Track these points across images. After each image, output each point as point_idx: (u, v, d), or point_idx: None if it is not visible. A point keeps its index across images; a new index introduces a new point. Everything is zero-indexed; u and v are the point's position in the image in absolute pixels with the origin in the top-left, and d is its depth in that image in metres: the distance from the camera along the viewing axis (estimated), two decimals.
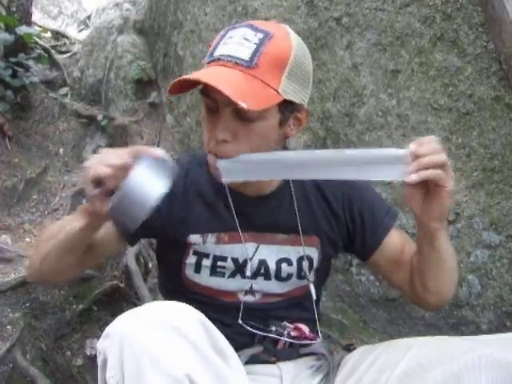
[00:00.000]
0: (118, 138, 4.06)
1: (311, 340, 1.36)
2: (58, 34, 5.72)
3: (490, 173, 1.92)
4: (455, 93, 1.97)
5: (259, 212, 1.34)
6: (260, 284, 1.34)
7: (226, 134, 1.14)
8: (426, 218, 1.15)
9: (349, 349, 1.43)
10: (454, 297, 2.06)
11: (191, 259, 1.31)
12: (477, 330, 2.04)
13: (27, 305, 2.10)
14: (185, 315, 1.00)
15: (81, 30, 6.49)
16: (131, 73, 4.43)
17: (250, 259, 1.31)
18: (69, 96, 4.58)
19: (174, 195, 1.30)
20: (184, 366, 0.91)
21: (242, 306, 1.32)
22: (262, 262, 1.33)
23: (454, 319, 2.13)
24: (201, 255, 1.31)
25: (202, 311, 1.05)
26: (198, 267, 1.32)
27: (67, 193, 3.29)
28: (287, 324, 1.35)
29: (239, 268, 1.32)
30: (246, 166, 1.17)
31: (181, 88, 1.15)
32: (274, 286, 1.35)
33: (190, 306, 1.03)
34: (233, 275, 1.32)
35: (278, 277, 1.35)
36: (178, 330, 0.94)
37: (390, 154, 1.10)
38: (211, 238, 1.31)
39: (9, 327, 1.96)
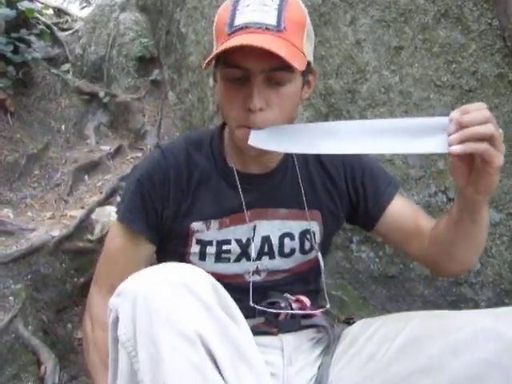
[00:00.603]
0: (119, 115, 4.05)
1: (316, 314, 1.37)
2: (59, 12, 5.67)
3: None
4: (458, 70, 1.96)
5: (263, 189, 1.34)
6: (265, 263, 1.35)
7: (262, 102, 1.13)
8: (470, 192, 1.08)
9: (348, 322, 1.44)
10: None
11: (195, 248, 1.32)
12: (475, 307, 2.05)
13: (29, 277, 2.11)
14: (197, 276, 1.01)
15: (83, 8, 6.44)
16: (133, 50, 4.41)
17: (252, 239, 1.32)
18: (71, 73, 4.56)
19: (180, 185, 1.31)
20: (196, 325, 0.92)
21: (251, 287, 1.32)
22: (266, 239, 1.34)
23: (452, 296, 2.14)
24: (204, 243, 1.31)
25: None
26: (202, 255, 1.32)
27: (69, 168, 3.29)
28: (289, 296, 1.36)
29: (244, 249, 1.33)
30: (277, 137, 1.14)
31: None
32: (278, 263, 1.37)
33: (202, 270, 1.04)
34: (238, 259, 1.33)
35: (282, 253, 1.36)
36: (191, 290, 0.95)
37: (432, 123, 1.03)
38: (214, 224, 1.31)
39: (11, 298, 1.97)
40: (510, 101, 1.85)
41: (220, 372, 0.93)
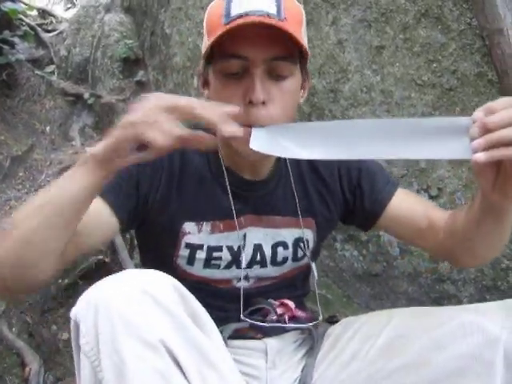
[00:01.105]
0: (104, 116, 4.05)
1: (299, 316, 1.35)
2: (44, 13, 5.65)
3: None
4: (439, 69, 1.97)
5: (257, 195, 1.29)
6: (255, 271, 1.32)
7: (265, 94, 1.06)
8: (497, 197, 0.98)
9: (332, 321, 1.44)
10: (436, 271, 2.09)
11: (183, 252, 1.26)
12: (458, 304, 2.06)
13: None
14: (160, 282, 0.96)
15: (67, 9, 6.42)
16: (118, 51, 4.40)
17: (243, 247, 1.28)
18: (56, 75, 4.55)
19: (172, 179, 1.24)
20: (159, 333, 0.88)
21: (241, 293, 1.28)
22: (258, 248, 1.30)
23: (436, 293, 2.16)
24: (194, 248, 1.26)
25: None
26: (191, 259, 1.27)
27: (53, 170, 3.28)
28: (272, 301, 1.33)
29: (235, 257, 1.28)
30: (280, 139, 1.04)
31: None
32: (269, 271, 1.33)
33: (166, 274, 0.99)
34: (228, 267, 1.29)
35: (274, 262, 1.33)
36: (154, 297, 0.91)
37: (452, 124, 0.91)
38: (206, 226, 1.26)
39: None
40: (490, 99, 1.83)
41: (187, 379, 0.90)
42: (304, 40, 1.12)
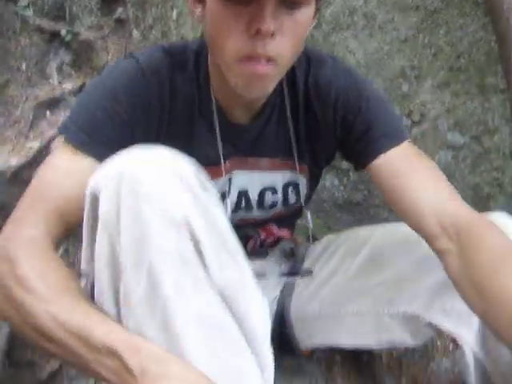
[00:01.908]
0: (82, 53, 3.95)
1: (283, 236, 1.34)
2: None
3: (456, 72, 1.92)
4: None
5: (246, 135, 1.18)
6: (241, 214, 1.25)
7: (275, 25, 0.90)
8: None
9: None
10: None
11: None
12: None
13: None
14: (183, 162, 0.86)
15: None
16: None
17: (228, 193, 1.20)
18: (31, 11, 4.43)
19: (162, 123, 1.11)
20: (183, 209, 0.81)
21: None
22: (243, 194, 1.23)
23: None
24: None
25: None
26: None
27: (30, 105, 3.22)
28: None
29: None
30: None
31: None
32: (256, 214, 1.28)
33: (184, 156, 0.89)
34: None
35: (261, 206, 1.26)
36: (179, 175, 0.83)
37: None
38: None
39: None
40: (475, 21, 1.83)
41: (204, 262, 0.83)
42: None
